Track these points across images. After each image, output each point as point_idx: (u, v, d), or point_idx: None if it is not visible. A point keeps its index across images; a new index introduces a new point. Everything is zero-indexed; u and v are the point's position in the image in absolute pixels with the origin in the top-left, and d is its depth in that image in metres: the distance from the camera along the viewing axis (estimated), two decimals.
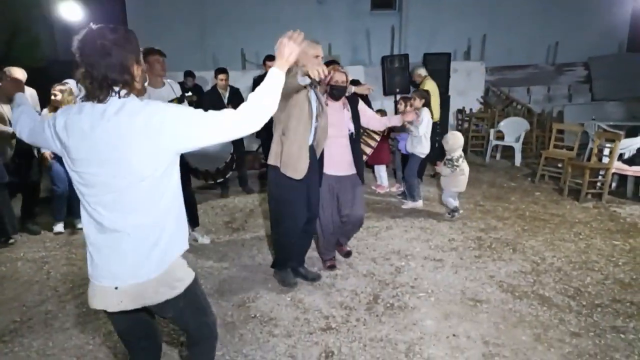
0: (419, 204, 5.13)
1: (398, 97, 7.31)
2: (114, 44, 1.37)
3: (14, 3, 10.25)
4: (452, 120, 9.00)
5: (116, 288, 1.47)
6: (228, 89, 5.52)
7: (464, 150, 5.09)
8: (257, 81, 4.97)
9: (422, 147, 4.98)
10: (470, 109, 9.05)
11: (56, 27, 11.18)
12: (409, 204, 5.13)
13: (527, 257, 3.71)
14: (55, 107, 4.09)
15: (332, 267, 3.51)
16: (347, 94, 3.34)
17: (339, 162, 3.27)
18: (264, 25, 9.66)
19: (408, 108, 5.00)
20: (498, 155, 7.94)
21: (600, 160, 5.67)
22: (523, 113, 8.88)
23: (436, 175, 5.88)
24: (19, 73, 4.02)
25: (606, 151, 5.60)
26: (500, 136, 7.70)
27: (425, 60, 8.23)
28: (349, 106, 3.31)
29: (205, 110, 1.45)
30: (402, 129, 4.80)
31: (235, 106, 1.46)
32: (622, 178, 5.62)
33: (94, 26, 1.40)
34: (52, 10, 9.37)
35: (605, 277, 3.36)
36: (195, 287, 1.63)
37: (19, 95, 1.87)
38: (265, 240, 4.16)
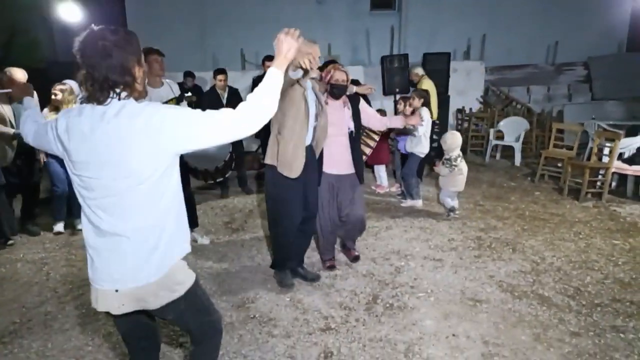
0: (419, 203, 5.13)
1: (397, 97, 7.31)
2: (114, 46, 1.37)
3: (13, 5, 10.25)
4: (451, 120, 9.00)
5: (116, 291, 1.47)
6: (227, 89, 5.52)
7: (464, 150, 5.10)
8: (257, 81, 4.97)
9: (421, 147, 4.98)
10: (470, 109, 9.04)
11: (55, 29, 11.18)
12: (407, 202, 5.14)
13: (526, 257, 3.71)
14: (55, 107, 4.09)
15: (332, 267, 3.51)
16: (348, 94, 3.33)
17: (338, 161, 3.27)
18: (264, 25, 9.62)
19: (407, 108, 5.00)
20: (498, 155, 7.94)
21: (600, 159, 5.67)
22: (523, 113, 8.88)
23: (432, 173, 5.90)
24: (20, 74, 4.01)
25: (606, 150, 5.60)
26: (500, 136, 7.69)
27: (425, 60, 8.22)
28: (349, 104, 3.31)
29: (204, 110, 1.44)
30: (404, 131, 4.80)
31: (234, 107, 1.43)
32: (622, 177, 5.62)
33: (95, 27, 1.40)
34: (51, 12, 9.36)
35: (605, 276, 3.36)
36: (196, 289, 1.62)
37: (27, 99, 1.91)
38: (264, 240, 4.16)
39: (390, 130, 5.21)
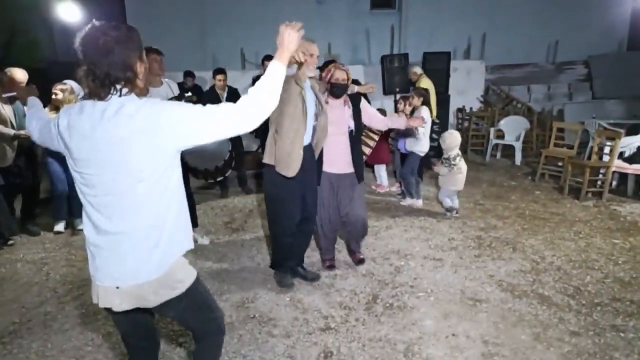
0: (419, 202, 5.12)
1: (398, 96, 7.31)
2: (116, 42, 1.36)
3: (13, 5, 10.24)
4: (452, 119, 8.99)
5: (117, 287, 1.47)
6: (226, 89, 5.51)
7: (464, 149, 5.09)
8: (256, 81, 4.96)
9: (421, 146, 4.97)
10: (470, 108, 9.03)
11: (55, 29, 11.17)
12: (407, 201, 5.14)
13: (526, 256, 3.70)
14: (56, 107, 4.09)
15: (332, 267, 3.51)
16: (349, 93, 3.33)
17: (338, 160, 3.27)
18: (263, 25, 9.61)
19: (407, 107, 5.00)
20: (498, 154, 7.93)
21: (600, 158, 5.66)
22: (523, 112, 8.86)
23: (433, 172, 5.89)
24: (20, 74, 4.01)
25: (606, 149, 5.59)
26: (500, 135, 7.68)
27: (425, 59, 8.22)
28: (350, 103, 3.30)
29: None
30: (406, 132, 4.80)
31: None
32: (623, 176, 5.61)
33: (96, 23, 1.39)
34: (51, 12, 9.35)
35: (605, 275, 3.35)
36: (197, 286, 1.62)
37: (31, 99, 1.95)
38: (264, 240, 4.16)
39: (390, 129, 5.21)
